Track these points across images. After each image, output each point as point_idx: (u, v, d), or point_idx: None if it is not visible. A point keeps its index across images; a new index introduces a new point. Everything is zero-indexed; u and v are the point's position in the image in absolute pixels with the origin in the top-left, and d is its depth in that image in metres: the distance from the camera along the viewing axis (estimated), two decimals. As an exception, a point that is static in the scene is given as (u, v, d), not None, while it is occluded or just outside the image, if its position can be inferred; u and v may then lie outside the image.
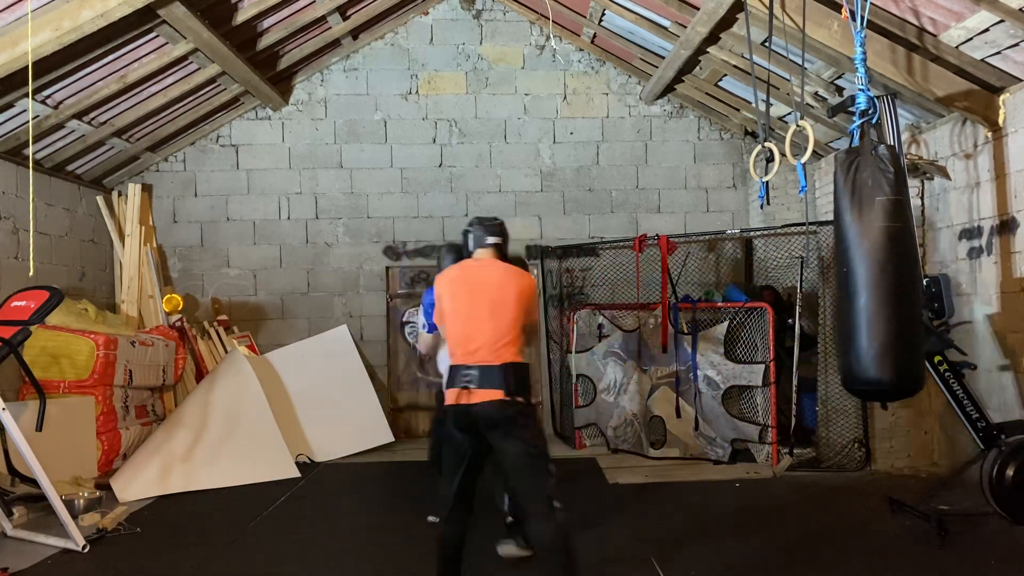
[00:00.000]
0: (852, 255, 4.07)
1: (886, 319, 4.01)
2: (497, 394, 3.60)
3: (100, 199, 8.51)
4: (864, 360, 4.03)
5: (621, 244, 8.33)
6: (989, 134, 5.85)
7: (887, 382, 4.05)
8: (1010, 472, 4.93)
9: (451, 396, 3.69)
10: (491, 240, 4.04)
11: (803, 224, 7.13)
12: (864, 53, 4.37)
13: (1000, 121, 5.73)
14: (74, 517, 5.17)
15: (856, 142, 4.24)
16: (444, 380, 4.47)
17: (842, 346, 4.30)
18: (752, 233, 8.42)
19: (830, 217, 5.96)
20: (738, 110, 8.74)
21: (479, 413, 3.61)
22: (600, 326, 8.02)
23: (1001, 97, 5.71)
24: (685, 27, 6.98)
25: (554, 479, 3.60)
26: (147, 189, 8.93)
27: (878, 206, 4.03)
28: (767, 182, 4.89)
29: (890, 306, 4.01)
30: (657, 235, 7.58)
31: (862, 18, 4.36)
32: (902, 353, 4.04)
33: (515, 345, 3.71)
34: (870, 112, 4.25)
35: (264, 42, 7.79)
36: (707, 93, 8.61)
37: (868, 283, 4.01)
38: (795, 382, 6.98)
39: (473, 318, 3.75)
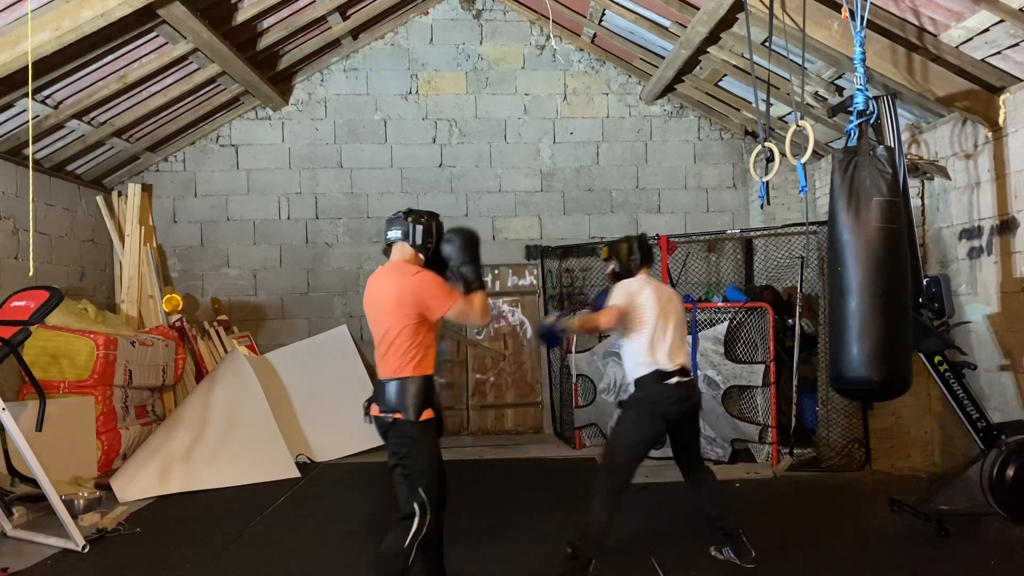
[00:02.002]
0: (846, 255, 4.07)
1: (877, 320, 4.00)
2: (375, 410, 3.62)
3: (100, 199, 8.51)
4: (854, 360, 4.04)
5: (621, 244, 8.31)
6: (989, 134, 5.85)
7: (876, 382, 4.06)
8: (1010, 472, 4.93)
9: None
10: (391, 235, 3.69)
11: (803, 224, 7.13)
12: (863, 53, 4.37)
13: (1000, 121, 5.73)
14: (74, 517, 5.18)
15: (853, 142, 4.25)
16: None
17: (833, 345, 4.28)
18: (752, 233, 8.41)
19: (830, 217, 5.97)
20: (738, 110, 8.73)
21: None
22: (600, 326, 8.02)
23: (1001, 97, 5.71)
24: (685, 27, 6.98)
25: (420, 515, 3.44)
26: (147, 189, 8.93)
27: (875, 207, 4.02)
28: (767, 182, 4.90)
29: (882, 308, 4.01)
30: (657, 235, 7.58)
31: (862, 18, 4.36)
32: (892, 354, 4.05)
33: (396, 356, 3.51)
34: (868, 112, 4.25)
35: (264, 42, 7.79)
36: (707, 93, 8.61)
37: (861, 284, 4.01)
38: (795, 382, 6.98)
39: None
